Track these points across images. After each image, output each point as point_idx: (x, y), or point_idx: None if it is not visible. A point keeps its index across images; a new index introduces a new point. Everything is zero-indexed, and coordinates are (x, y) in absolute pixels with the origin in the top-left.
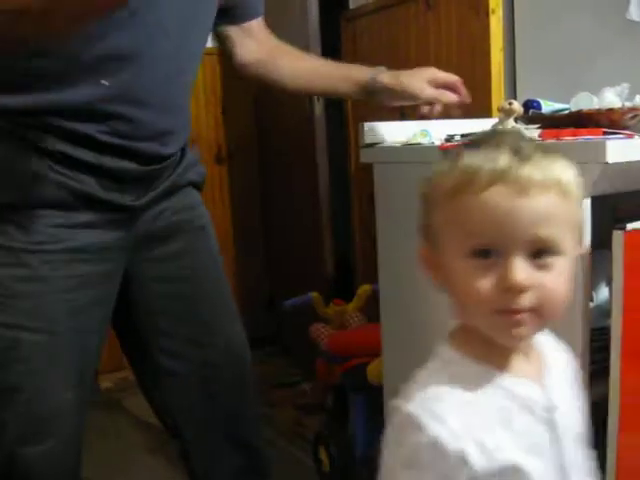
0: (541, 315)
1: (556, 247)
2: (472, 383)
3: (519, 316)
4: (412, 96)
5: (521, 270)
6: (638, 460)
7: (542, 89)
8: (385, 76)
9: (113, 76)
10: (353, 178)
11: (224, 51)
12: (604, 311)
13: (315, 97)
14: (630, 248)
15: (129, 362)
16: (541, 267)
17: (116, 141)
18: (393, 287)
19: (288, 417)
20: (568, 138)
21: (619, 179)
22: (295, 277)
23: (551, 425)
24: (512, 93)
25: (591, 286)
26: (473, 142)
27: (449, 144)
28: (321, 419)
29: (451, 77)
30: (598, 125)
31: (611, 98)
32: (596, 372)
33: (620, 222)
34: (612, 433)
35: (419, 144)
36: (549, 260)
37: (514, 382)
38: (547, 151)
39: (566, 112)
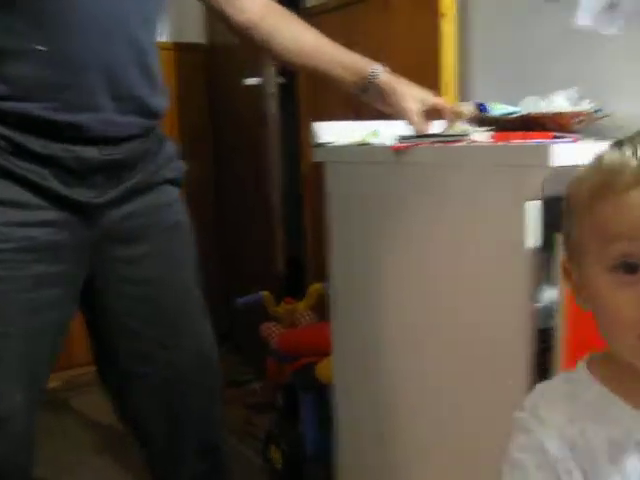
0: None
1: None
2: (590, 407)
3: None
4: (397, 110)
5: None
6: None
7: (494, 91)
8: (383, 75)
9: (48, 40)
10: (305, 177)
11: (217, 17)
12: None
13: (270, 93)
14: None
15: (96, 367)
16: None
17: (60, 117)
18: (343, 286)
19: (238, 416)
20: (518, 141)
21: (563, 182)
22: (248, 275)
23: None
24: (463, 95)
25: (536, 287)
26: (615, 142)
27: (402, 144)
28: (271, 418)
29: (441, 104)
30: (545, 128)
31: (560, 102)
32: (543, 373)
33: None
34: None
35: (370, 144)
36: None
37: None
38: None
39: (516, 115)
